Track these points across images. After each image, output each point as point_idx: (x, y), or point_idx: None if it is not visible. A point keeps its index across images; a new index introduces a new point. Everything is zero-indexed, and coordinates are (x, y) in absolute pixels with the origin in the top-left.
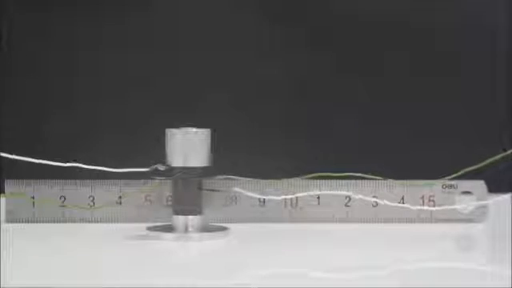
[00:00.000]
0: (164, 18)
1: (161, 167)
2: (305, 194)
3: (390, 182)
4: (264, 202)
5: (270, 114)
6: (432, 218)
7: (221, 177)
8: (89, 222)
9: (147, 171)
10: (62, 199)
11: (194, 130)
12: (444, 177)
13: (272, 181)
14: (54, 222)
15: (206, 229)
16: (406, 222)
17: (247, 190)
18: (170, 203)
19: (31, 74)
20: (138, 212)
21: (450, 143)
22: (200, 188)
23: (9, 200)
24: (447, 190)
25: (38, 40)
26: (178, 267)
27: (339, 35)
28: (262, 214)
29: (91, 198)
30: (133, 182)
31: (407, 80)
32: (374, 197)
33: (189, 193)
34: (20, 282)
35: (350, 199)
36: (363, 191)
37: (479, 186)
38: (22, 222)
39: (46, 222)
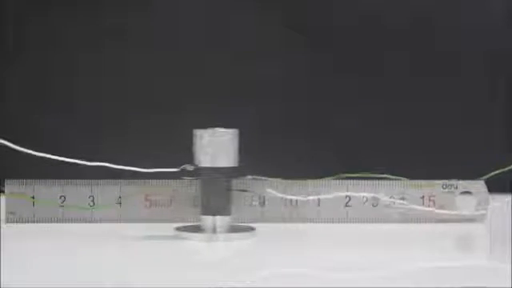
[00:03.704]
0: (164, 18)
1: (189, 167)
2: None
3: (390, 181)
4: (291, 202)
5: (270, 114)
6: (432, 218)
7: (249, 177)
8: (89, 222)
9: (176, 171)
10: (62, 199)
11: (222, 130)
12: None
13: (298, 181)
14: (54, 222)
15: (233, 229)
16: (406, 222)
17: (276, 190)
18: (171, 203)
19: (31, 73)
20: (138, 212)
21: (450, 143)
22: (229, 188)
23: (10, 201)
24: (447, 189)
25: (38, 40)
26: (205, 267)
27: (339, 35)
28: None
29: (91, 198)
30: (133, 182)
31: (407, 80)
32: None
33: (217, 193)
34: (20, 283)
35: (350, 199)
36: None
37: (479, 185)
38: (22, 222)
39: (46, 222)
